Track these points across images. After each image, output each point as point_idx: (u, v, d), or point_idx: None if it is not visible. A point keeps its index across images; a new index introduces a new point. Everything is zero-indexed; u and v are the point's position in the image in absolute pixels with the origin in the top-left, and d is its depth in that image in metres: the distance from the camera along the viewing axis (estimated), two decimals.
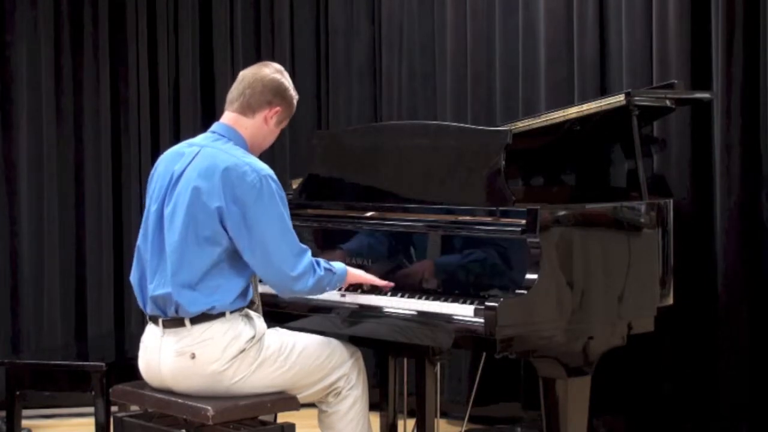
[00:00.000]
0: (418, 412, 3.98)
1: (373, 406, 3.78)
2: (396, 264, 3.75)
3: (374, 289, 3.67)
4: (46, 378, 4.25)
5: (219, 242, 3.37)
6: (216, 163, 3.39)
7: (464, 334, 3.35)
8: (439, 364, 3.96)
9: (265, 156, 3.63)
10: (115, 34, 5.69)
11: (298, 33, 5.84)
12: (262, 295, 3.70)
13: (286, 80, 3.58)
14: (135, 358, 3.58)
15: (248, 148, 3.51)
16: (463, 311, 3.38)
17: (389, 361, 4.17)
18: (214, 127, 3.56)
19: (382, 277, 3.70)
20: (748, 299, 4.22)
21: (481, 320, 3.26)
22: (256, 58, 5.63)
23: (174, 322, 3.40)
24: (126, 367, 3.96)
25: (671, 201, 3.81)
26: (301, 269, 3.40)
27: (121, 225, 5.71)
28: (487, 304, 3.25)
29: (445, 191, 3.74)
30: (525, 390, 4.85)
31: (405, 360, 4.16)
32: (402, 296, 3.62)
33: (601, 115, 3.88)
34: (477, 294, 3.49)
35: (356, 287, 3.68)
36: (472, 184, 3.66)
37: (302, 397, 3.52)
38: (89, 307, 5.65)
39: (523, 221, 3.38)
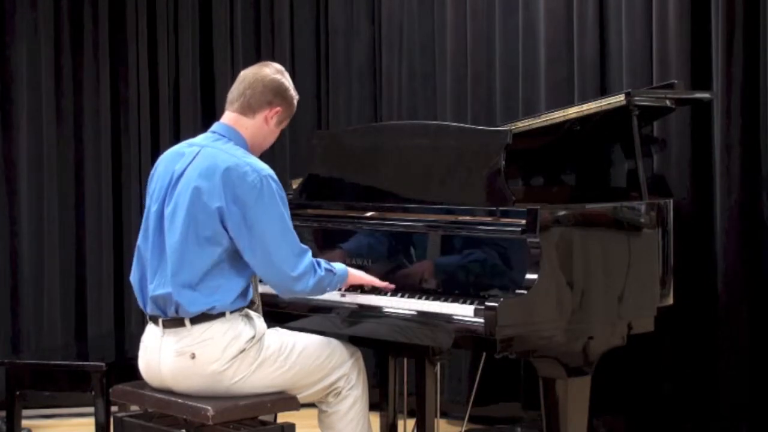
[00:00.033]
0: (418, 412, 3.98)
1: (373, 406, 3.78)
2: (396, 264, 3.75)
3: (374, 290, 3.67)
4: (46, 378, 4.25)
5: (219, 242, 3.37)
6: (216, 163, 3.39)
7: (464, 334, 3.35)
8: (439, 364, 3.96)
9: (265, 156, 3.63)
10: (115, 34, 5.69)
11: (298, 33, 5.85)
12: (262, 295, 3.70)
13: (287, 80, 3.58)
14: (135, 358, 3.58)
15: (248, 148, 3.51)
16: (463, 311, 3.38)
17: (389, 361, 4.16)
18: (215, 127, 3.56)
19: (382, 277, 3.70)
20: (748, 299, 4.22)
21: (481, 320, 3.26)
22: (256, 58, 5.63)
23: (174, 322, 3.40)
24: (126, 367, 3.96)
25: (671, 201, 3.81)
26: (301, 269, 3.40)
27: (121, 225, 5.71)
28: (487, 304, 3.25)
29: (445, 191, 3.74)
30: (525, 390, 4.85)
31: (405, 360, 4.16)
32: (402, 296, 3.62)
33: (601, 115, 3.88)
34: (477, 294, 3.49)
35: (356, 288, 3.68)
36: (472, 184, 3.66)
37: (302, 397, 3.52)
38: (89, 307, 5.65)
39: (523, 221, 3.38)
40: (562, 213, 3.44)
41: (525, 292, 3.31)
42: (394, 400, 4.17)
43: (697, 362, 4.35)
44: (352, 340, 3.70)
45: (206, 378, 3.38)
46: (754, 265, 4.21)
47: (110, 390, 3.68)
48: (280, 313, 3.77)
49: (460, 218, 3.62)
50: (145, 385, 3.54)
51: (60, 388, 4.42)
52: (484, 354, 4.23)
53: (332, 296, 3.65)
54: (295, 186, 4.28)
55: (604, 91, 4.59)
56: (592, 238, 3.52)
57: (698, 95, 4.20)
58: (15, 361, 4.35)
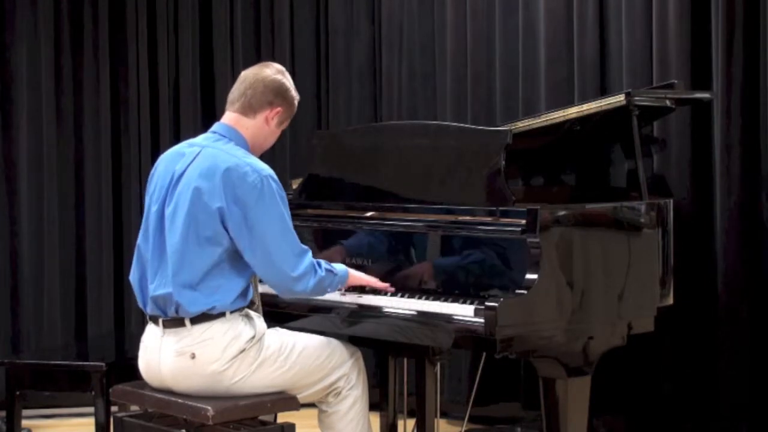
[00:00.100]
0: (418, 412, 3.98)
1: (373, 406, 3.78)
2: (396, 264, 3.75)
3: (375, 291, 3.67)
4: (46, 378, 4.25)
5: (220, 242, 3.37)
6: (217, 164, 3.39)
7: (464, 334, 3.35)
8: (439, 364, 3.96)
9: (266, 156, 3.63)
10: (115, 34, 5.69)
11: (298, 33, 5.85)
12: (262, 295, 3.70)
13: (288, 81, 3.58)
14: (135, 358, 3.58)
15: (249, 149, 3.51)
16: (463, 311, 3.38)
17: (389, 361, 4.17)
18: (215, 127, 3.56)
19: (382, 277, 3.70)
20: (748, 299, 4.22)
21: (481, 320, 3.26)
22: (256, 58, 5.63)
23: (174, 322, 3.40)
24: (126, 367, 3.96)
25: (671, 201, 3.81)
26: (302, 270, 3.40)
27: (121, 225, 5.71)
28: (487, 304, 3.25)
29: (445, 191, 3.74)
30: (525, 390, 4.85)
31: (405, 360, 4.16)
32: (402, 296, 3.62)
33: (601, 115, 3.88)
34: (477, 294, 3.49)
35: (356, 289, 3.68)
36: (472, 184, 3.66)
37: (302, 397, 3.52)
38: (89, 307, 5.65)
39: (523, 221, 3.38)
40: (562, 213, 3.44)
41: (525, 292, 3.31)
42: (394, 400, 4.17)
43: (697, 362, 4.35)
44: (352, 340, 3.70)
45: (206, 378, 3.38)
46: (754, 265, 4.21)
47: (110, 390, 3.68)
48: (280, 313, 3.77)
49: (460, 218, 3.62)
50: (145, 385, 3.54)
51: (60, 388, 4.42)
52: (484, 354, 4.23)
53: (332, 296, 3.65)
54: (295, 186, 4.28)
55: (604, 91, 4.59)
56: (592, 238, 3.52)
57: (698, 95, 4.21)
58: (15, 361, 4.35)
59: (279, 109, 3.54)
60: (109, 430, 4.02)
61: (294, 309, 3.76)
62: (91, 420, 4.13)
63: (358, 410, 3.59)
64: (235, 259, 3.40)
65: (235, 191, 3.35)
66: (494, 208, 3.53)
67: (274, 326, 3.58)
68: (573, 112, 3.90)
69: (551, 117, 3.95)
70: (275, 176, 3.42)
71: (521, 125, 3.97)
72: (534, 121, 3.99)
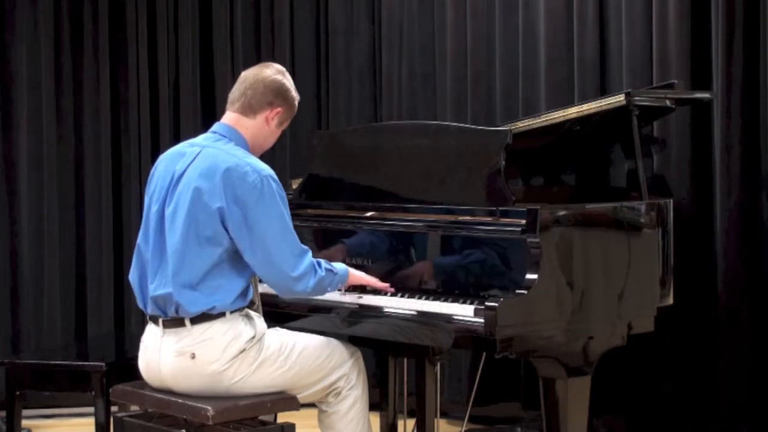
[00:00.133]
0: (418, 412, 3.98)
1: (373, 406, 3.78)
2: (396, 264, 3.75)
3: (375, 290, 3.67)
4: (46, 378, 4.25)
5: (220, 242, 3.37)
6: (217, 164, 3.39)
7: (464, 334, 3.35)
8: (439, 364, 3.96)
9: (266, 156, 3.63)
10: (115, 34, 5.69)
11: (298, 33, 5.85)
12: (262, 295, 3.70)
13: (288, 81, 3.58)
14: (135, 358, 3.58)
15: (249, 149, 3.51)
16: (463, 311, 3.38)
17: (389, 361, 4.16)
18: (215, 127, 3.56)
19: (382, 277, 3.70)
20: (748, 299, 4.22)
21: (481, 320, 3.26)
22: (256, 58, 5.63)
23: (174, 322, 3.40)
24: (126, 367, 3.96)
25: (671, 201, 3.81)
26: (302, 270, 3.40)
27: (121, 225, 5.71)
28: (487, 304, 3.25)
29: (445, 191, 3.74)
30: (525, 390, 4.85)
31: (405, 360, 4.16)
32: (402, 296, 3.62)
33: (601, 115, 3.88)
34: (477, 294, 3.49)
35: (357, 288, 3.68)
36: (472, 184, 3.66)
37: (302, 397, 3.52)
38: (89, 307, 5.66)
39: (523, 221, 3.38)
40: (562, 213, 3.44)
41: (525, 292, 3.31)
42: (394, 400, 4.17)
43: (697, 362, 4.35)
44: (352, 340, 3.70)
45: (206, 378, 3.38)
46: (754, 265, 4.21)
47: (110, 390, 3.68)
48: (280, 313, 3.77)
49: (460, 218, 3.62)
50: (145, 385, 3.54)
51: (60, 388, 4.42)
52: (484, 354, 4.23)
53: (332, 296, 3.65)
54: (295, 186, 4.28)
55: (604, 91, 4.59)
56: (592, 238, 3.52)
57: (698, 95, 4.21)
58: (15, 361, 4.35)
59: (279, 109, 3.54)
60: (109, 430, 4.02)
61: (294, 309, 3.76)
62: (91, 420, 4.13)
63: (358, 410, 3.59)
64: (235, 259, 3.40)
65: (235, 191, 3.35)
66: (494, 208, 3.53)
67: (274, 326, 3.58)
68: (573, 112, 3.90)
69: (551, 117, 3.95)
70: (275, 176, 3.42)
71: (521, 125, 3.97)
72: (534, 121, 3.99)
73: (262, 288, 3.69)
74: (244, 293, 3.43)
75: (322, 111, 5.85)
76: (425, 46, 5.45)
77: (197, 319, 3.37)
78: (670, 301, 3.76)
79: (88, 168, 5.66)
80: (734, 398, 4.23)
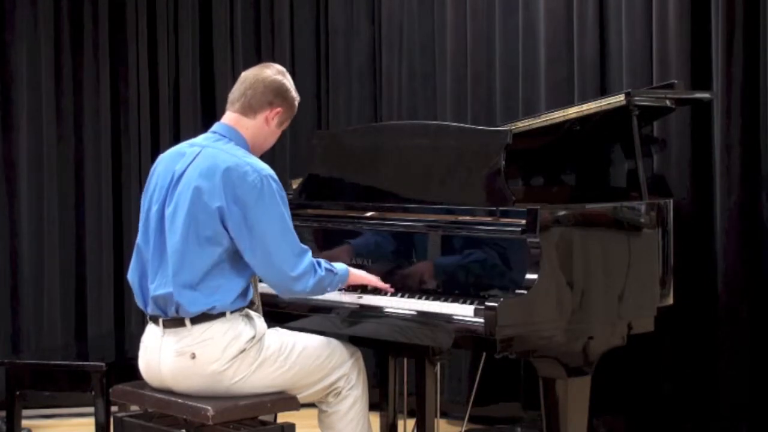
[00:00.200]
0: (418, 412, 3.98)
1: (373, 406, 3.78)
2: (396, 264, 3.75)
3: (375, 290, 3.67)
4: (46, 378, 4.25)
5: (220, 242, 3.37)
6: (217, 163, 3.39)
7: (464, 334, 3.35)
8: (439, 364, 3.96)
9: (266, 156, 3.63)
10: (115, 34, 5.69)
11: (298, 33, 5.85)
12: (262, 295, 3.70)
13: (288, 81, 3.58)
14: (135, 358, 3.58)
15: (249, 149, 3.51)
16: (463, 311, 3.38)
17: (389, 361, 4.16)
18: (215, 127, 3.56)
19: (382, 276, 3.70)
20: (748, 299, 4.22)
21: (481, 320, 3.26)
22: (256, 58, 5.63)
23: (174, 322, 3.40)
24: (126, 367, 3.96)
25: (671, 201, 3.81)
26: (301, 269, 3.40)
27: (121, 225, 5.71)
28: (487, 304, 3.25)
29: (445, 191, 3.74)
30: (525, 390, 4.85)
31: (405, 360, 4.16)
32: (402, 296, 3.62)
33: (601, 115, 3.88)
34: (477, 294, 3.49)
35: (358, 288, 3.68)
36: (472, 184, 3.66)
37: (302, 397, 3.52)
38: (89, 307, 5.66)
39: (523, 221, 3.38)
40: (562, 213, 3.44)
41: (525, 292, 3.31)
42: (394, 400, 4.17)
43: (697, 362, 4.35)
44: (352, 340, 3.70)
45: (206, 378, 3.38)
46: (754, 265, 4.21)
47: (110, 390, 3.68)
48: (280, 313, 3.77)
49: (460, 218, 3.62)
50: (145, 385, 3.54)
51: (60, 388, 4.42)
52: (484, 354, 4.23)
53: (332, 296, 3.65)
54: (295, 186, 4.28)
55: (604, 91, 4.59)
56: (592, 238, 3.52)
57: (698, 95, 4.21)
58: (15, 361, 4.35)
59: (279, 109, 3.54)
60: (109, 430, 4.02)
61: (294, 309, 3.76)
62: (91, 420, 4.13)
63: (358, 410, 3.59)
64: (235, 259, 3.40)
65: (235, 191, 3.35)
66: (494, 208, 3.53)
67: (274, 326, 3.58)
68: (573, 112, 3.90)
69: (551, 117, 3.95)
70: (275, 176, 3.42)
71: (521, 125, 3.97)
72: (534, 121, 3.99)
73: (262, 288, 3.69)
74: (244, 293, 3.43)
75: (322, 111, 5.85)
76: (425, 46, 5.45)
77: (197, 319, 3.37)
78: (670, 301, 3.76)
79: (88, 168, 5.66)
80: (734, 398, 4.23)
